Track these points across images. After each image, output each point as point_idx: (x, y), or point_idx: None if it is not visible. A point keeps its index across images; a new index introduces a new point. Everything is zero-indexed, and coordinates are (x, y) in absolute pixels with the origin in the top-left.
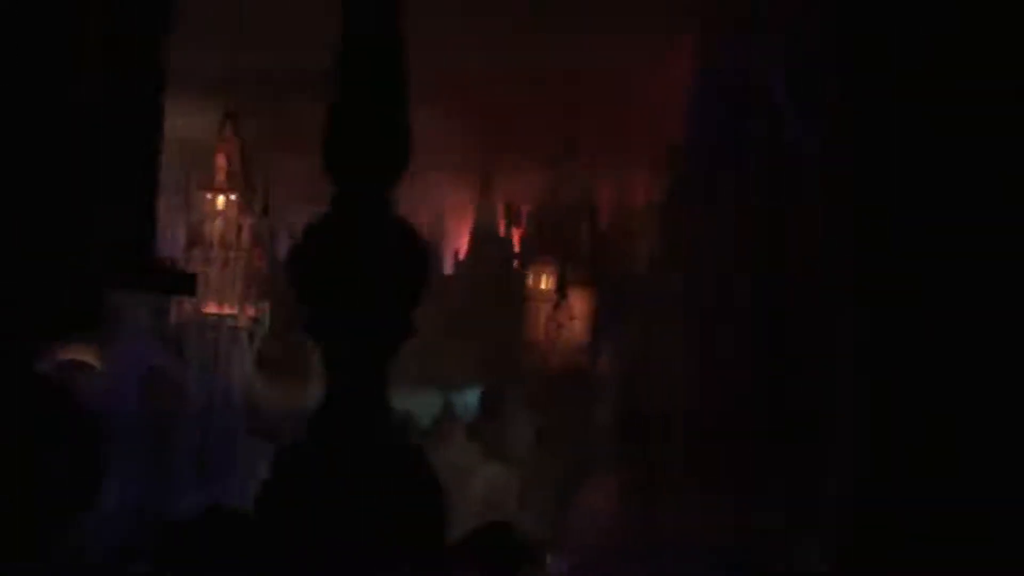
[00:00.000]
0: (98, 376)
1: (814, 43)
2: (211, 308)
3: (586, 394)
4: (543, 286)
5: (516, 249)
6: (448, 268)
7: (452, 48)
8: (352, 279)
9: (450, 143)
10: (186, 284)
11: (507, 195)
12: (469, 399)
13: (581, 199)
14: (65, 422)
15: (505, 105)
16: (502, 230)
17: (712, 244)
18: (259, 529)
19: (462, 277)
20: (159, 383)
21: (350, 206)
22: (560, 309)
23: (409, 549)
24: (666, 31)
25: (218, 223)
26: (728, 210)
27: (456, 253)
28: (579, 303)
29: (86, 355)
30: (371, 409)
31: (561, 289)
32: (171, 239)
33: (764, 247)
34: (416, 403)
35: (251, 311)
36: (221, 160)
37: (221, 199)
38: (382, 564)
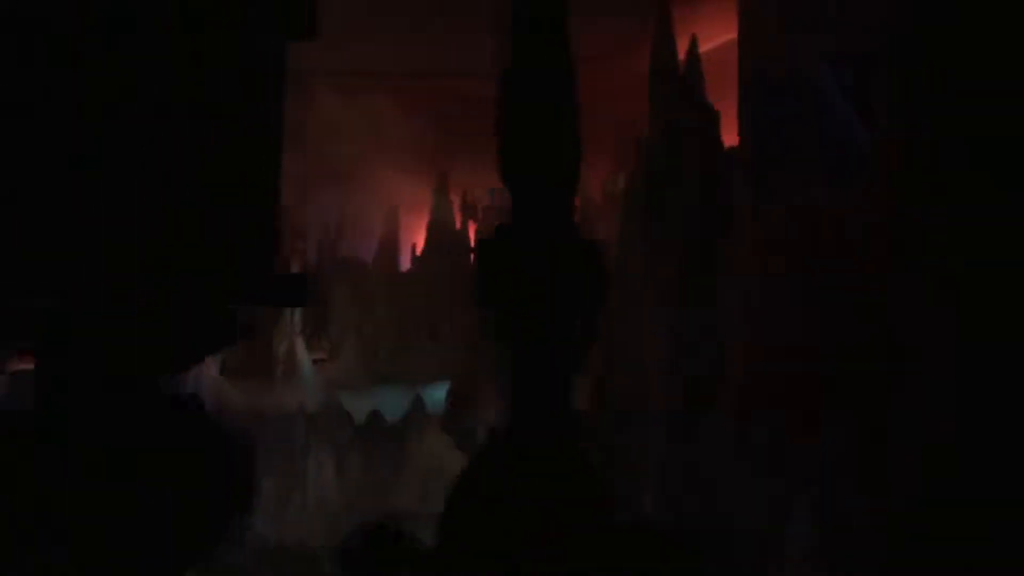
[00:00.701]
0: None
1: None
2: None
3: None
4: None
5: (472, 244)
6: (405, 264)
7: (408, 44)
8: (541, 284)
9: (405, 137)
10: (299, 294)
11: (463, 190)
12: (438, 395)
13: None
14: (219, 445)
15: (461, 99)
16: (458, 224)
17: (685, 236)
18: (444, 538)
19: (420, 272)
20: None
21: (531, 212)
22: None
23: (586, 557)
24: (624, 20)
25: None
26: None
27: (413, 248)
28: None
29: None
30: (560, 416)
31: None
32: None
33: (748, 240)
34: (383, 400)
35: None
36: None
37: None
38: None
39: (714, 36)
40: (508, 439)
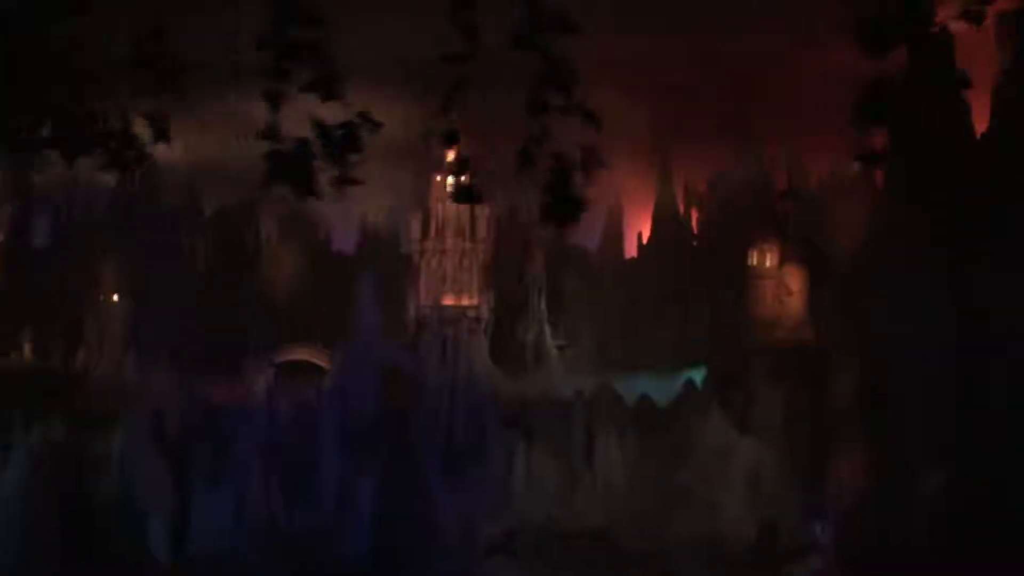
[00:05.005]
0: (330, 376)
1: None
2: (449, 300)
3: (822, 367)
4: (767, 264)
5: (695, 230)
6: (632, 251)
7: (626, 31)
8: None
9: (628, 127)
10: None
11: (685, 178)
12: (701, 377)
13: (768, 176)
14: None
15: (678, 89)
16: (682, 212)
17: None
18: None
19: (646, 260)
20: (396, 381)
21: None
22: (780, 285)
23: None
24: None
25: (449, 204)
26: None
27: (638, 236)
28: (794, 279)
29: (314, 356)
30: None
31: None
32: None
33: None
34: (651, 385)
35: (488, 303)
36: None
37: (451, 180)
38: None
39: None
40: None
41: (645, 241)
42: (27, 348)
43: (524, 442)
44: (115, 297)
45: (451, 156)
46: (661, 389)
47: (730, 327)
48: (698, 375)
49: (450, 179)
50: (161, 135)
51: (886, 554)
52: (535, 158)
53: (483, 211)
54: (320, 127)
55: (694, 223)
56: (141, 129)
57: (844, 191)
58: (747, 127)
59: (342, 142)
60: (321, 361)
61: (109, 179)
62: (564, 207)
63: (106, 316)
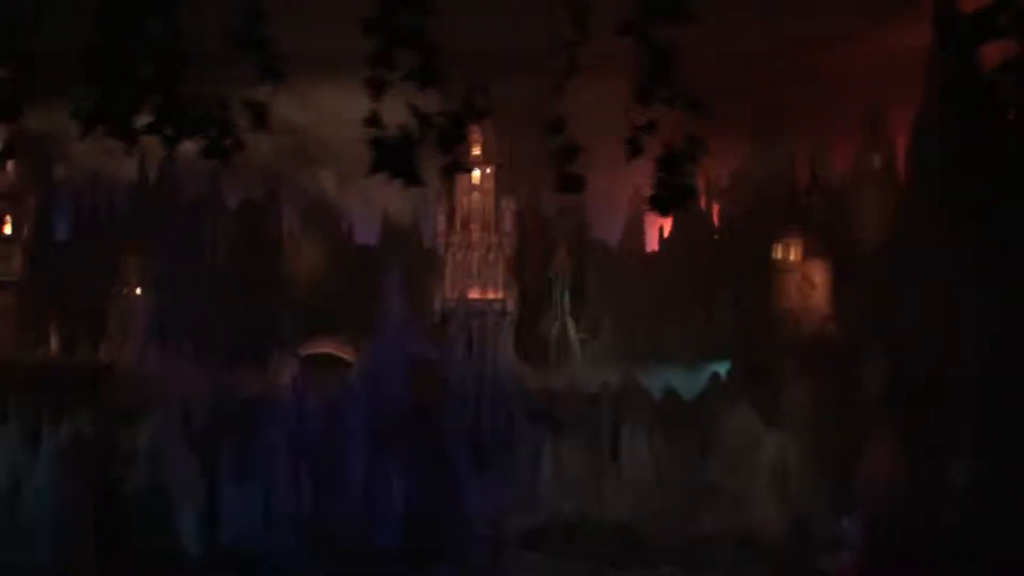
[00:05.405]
0: (356, 369)
1: None
2: (475, 294)
3: (846, 361)
4: (791, 257)
5: (716, 223)
6: (653, 244)
7: None
8: None
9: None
10: None
11: (706, 171)
12: (727, 370)
13: (791, 171)
14: None
15: (705, 82)
16: (703, 205)
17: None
18: None
19: (668, 254)
20: (422, 374)
21: None
22: (804, 279)
23: None
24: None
25: (475, 197)
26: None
27: (660, 230)
28: (817, 273)
29: (340, 349)
30: None
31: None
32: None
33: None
34: (677, 377)
35: (513, 296)
36: (475, 134)
37: (476, 173)
38: None
39: None
40: None
41: (667, 235)
42: (54, 342)
43: (551, 435)
44: (138, 290)
45: (477, 150)
46: (687, 382)
47: (754, 321)
48: (723, 369)
49: (476, 171)
50: (260, 123)
51: (915, 549)
52: (642, 148)
53: (508, 204)
54: (421, 115)
55: (716, 217)
56: (239, 117)
57: (867, 185)
58: (769, 121)
59: (448, 131)
60: (347, 354)
61: (131, 172)
62: (675, 195)
63: (131, 309)
